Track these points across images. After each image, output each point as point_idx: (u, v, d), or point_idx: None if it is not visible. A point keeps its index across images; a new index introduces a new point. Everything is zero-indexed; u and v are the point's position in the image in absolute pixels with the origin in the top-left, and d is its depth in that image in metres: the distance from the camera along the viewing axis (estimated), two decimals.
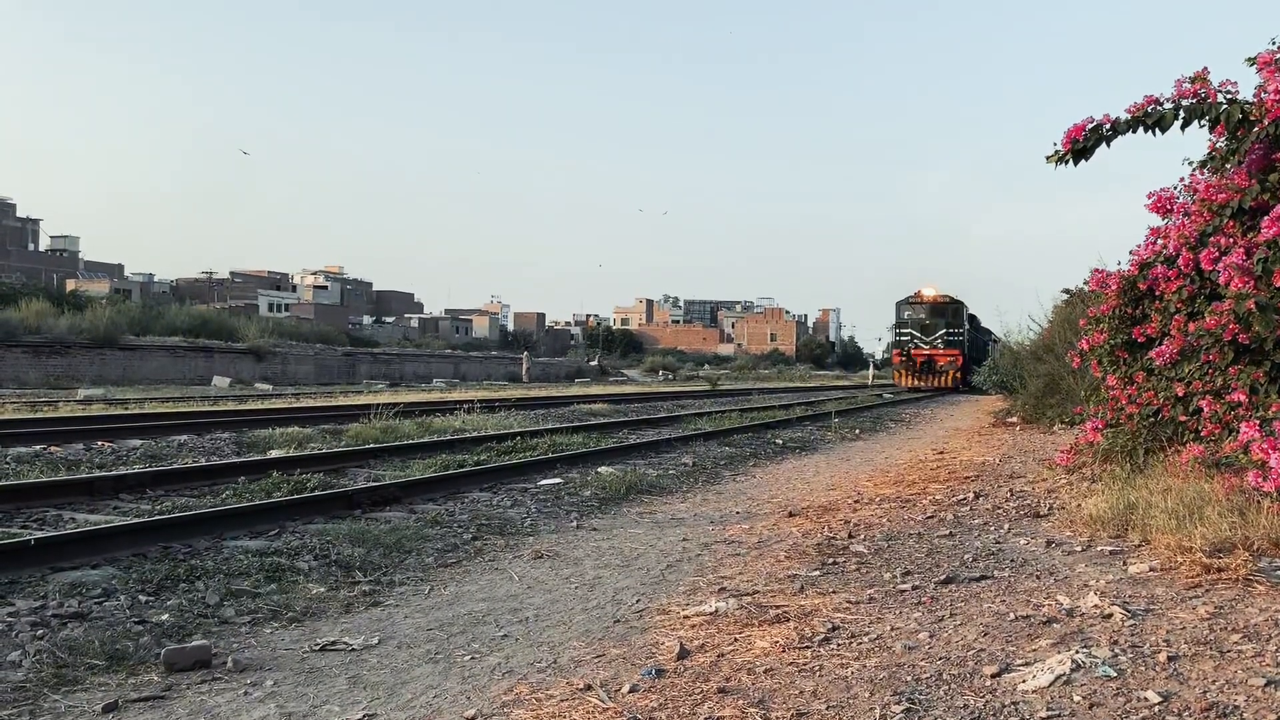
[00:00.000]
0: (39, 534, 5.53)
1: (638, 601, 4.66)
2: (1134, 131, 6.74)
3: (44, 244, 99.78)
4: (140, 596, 4.60)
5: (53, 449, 10.39)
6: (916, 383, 39.49)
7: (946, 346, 39.94)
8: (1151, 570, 4.68)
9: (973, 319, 44.14)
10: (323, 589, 4.90)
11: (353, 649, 3.95)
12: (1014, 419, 18.25)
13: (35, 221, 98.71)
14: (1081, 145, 6.77)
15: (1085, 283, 20.87)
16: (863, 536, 6.13)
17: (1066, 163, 6.88)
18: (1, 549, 4.92)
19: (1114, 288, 7.86)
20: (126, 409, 18.36)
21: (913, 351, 40.01)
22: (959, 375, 39.36)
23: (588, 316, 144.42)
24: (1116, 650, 3.48)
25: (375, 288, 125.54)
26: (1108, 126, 6.74)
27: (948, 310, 40.84)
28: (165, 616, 4.29)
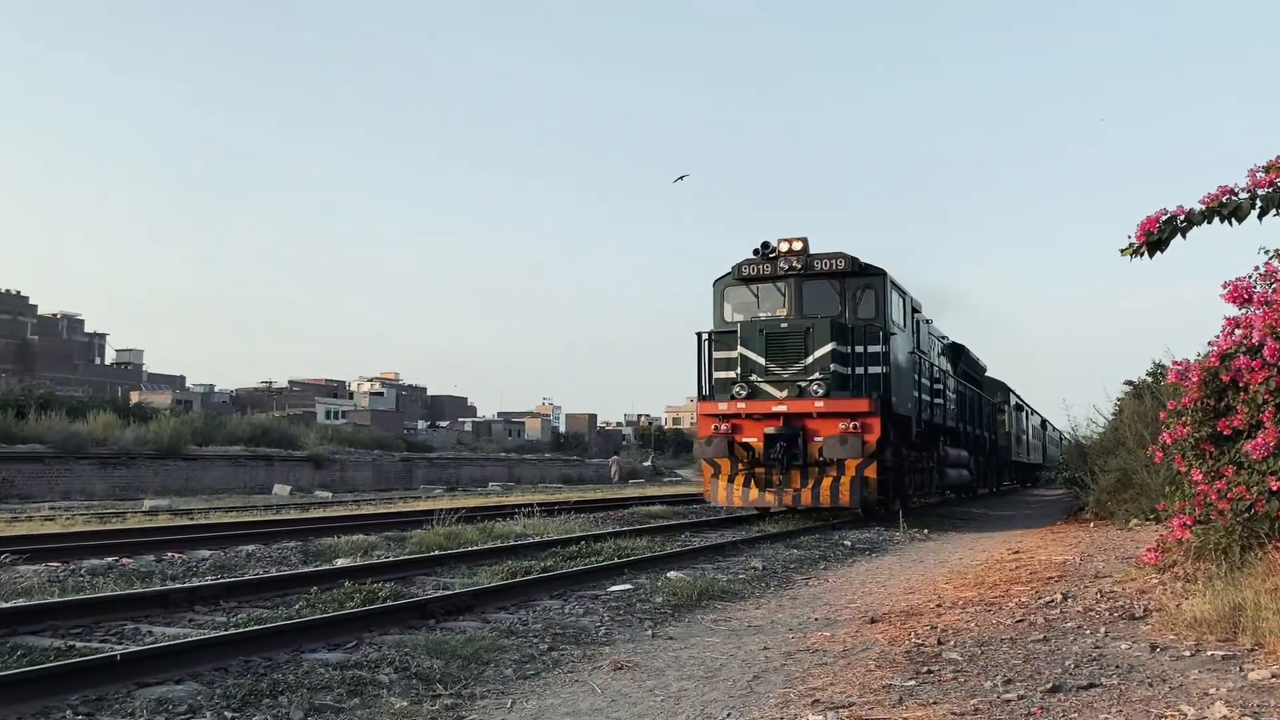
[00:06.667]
0: (123, 649, 5.53)
1: (728, 715, 4.52)
2: (1209, 222, 6.64)
3: (110, 357, 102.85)
4: (226, 713, 4.55)
5: (124, 561, 10.47)
6: (751, 496, 15.43)
7: (839, 390, 15.12)
8: (1274, 676, 4.45)
9: (958, 350, 22.94)
10: (405, 703, 4.81)
11: None
12: (1086, 515, 17.75)
13: (102, 336, 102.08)
14: (1156, 237, 6.69)
15: (1149, 374, 20.53)
16: (953, 642, 5.92)
17: (1141, 255, 6.78)
18: (88, 665, 4.92)
19: (1195, 379, 7.68)
20: (192, 519, 18.56)
21: (742, 412, 15.45)
22: (876, 473, 15.26)
23: (639, 416, 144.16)
24: None
25: (429, 392, 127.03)
26: (1182, 218, 6.66)
27: (847, 288, 15.87)
28: None
